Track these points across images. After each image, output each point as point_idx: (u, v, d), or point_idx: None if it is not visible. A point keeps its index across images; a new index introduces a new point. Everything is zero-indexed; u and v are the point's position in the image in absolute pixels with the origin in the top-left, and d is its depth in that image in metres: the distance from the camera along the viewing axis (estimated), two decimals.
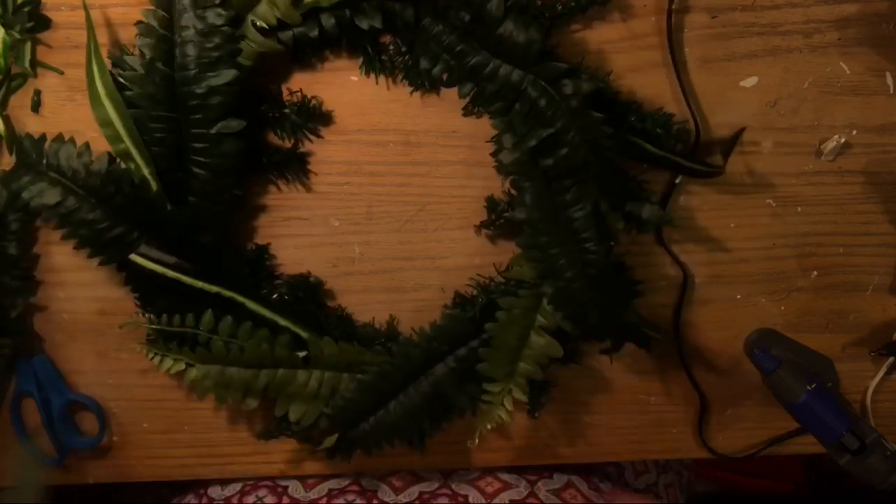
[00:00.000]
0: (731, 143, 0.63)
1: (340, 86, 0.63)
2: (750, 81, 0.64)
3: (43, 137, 0.62)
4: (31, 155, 0.61)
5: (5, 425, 0.70)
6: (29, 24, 0.61)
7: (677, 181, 0.64)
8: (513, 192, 0.63)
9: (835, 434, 0.56)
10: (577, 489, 0.72)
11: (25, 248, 0.66)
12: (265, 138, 0.64)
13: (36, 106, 0.64)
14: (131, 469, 0.72)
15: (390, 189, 0.66)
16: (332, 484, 0.72)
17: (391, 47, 0.62)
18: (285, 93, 0.63)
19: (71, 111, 0.64)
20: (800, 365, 0.58)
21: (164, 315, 0.63)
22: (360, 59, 0.62)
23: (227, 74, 0.58)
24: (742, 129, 0.64)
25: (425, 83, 0.63)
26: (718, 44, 0.63)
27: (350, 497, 0.69)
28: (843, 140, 0.64)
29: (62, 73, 0.63)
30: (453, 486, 0.71)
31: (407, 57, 0.61)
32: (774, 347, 0.62)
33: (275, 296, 0.66)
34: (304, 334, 0.64)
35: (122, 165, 0.60)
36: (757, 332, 0.65)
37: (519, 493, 0.70)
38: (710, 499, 1.26)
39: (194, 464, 0.72)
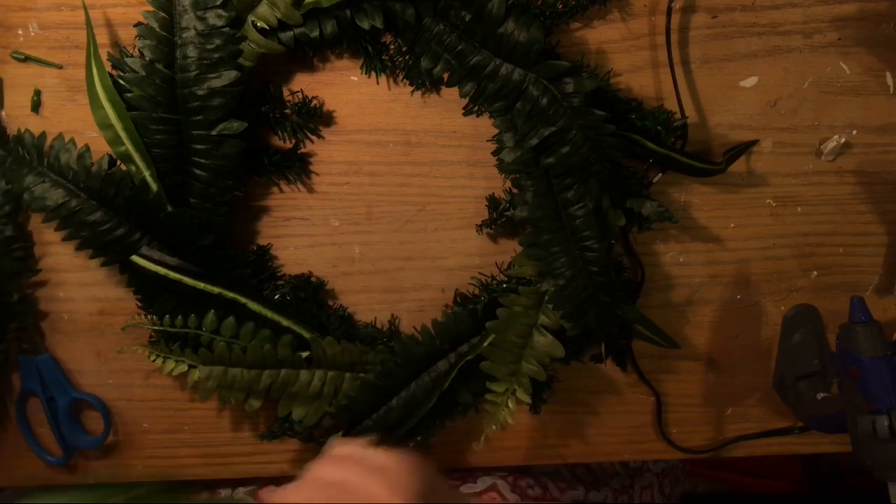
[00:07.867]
0: (741, 149, 0.63)
1: (341, 86, 0.64)
2: (750, 81, 0.64)
3: (43, 137, 0.62)
4: (32, 156, 0.61)
5: (10, 424, 0.70)
6: None
7: (656, 180, 0.64)
8: (514, 190, 0.63)
9: (886, 403, 0.56)
10: (500, 493, 0.70)
11: (20, 228, 0.65)
12: (266, 139, 0.64)
13: (36, 106, 0.64)
14: (132, 469, 0.72)
15: (390, 189, 0.66)
16: None
17: (392, 47, 0.62)
18: (286, 93, 0.63)
19: (71, 111, 0.64)
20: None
21: (167, 316, 0.63)
22: (361, 59, 0.62)
23: (228, 76, 0.58)
24: (755, 141, 0.64)
25: (426, 83, 0.63)
26: (718, 44, 0.63)
27: None
28: (843, 140, 0.64)
29: (61, 67, 0.63)
30: None
31: (408, 56, 0.61)
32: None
33: (277, 296, 0.66)
34: (306, 334, 0.64)
35: (123, 167, 0.60)
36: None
37: None
38: (710, 499, 1.26)
39: (195, 464, 0.72)
